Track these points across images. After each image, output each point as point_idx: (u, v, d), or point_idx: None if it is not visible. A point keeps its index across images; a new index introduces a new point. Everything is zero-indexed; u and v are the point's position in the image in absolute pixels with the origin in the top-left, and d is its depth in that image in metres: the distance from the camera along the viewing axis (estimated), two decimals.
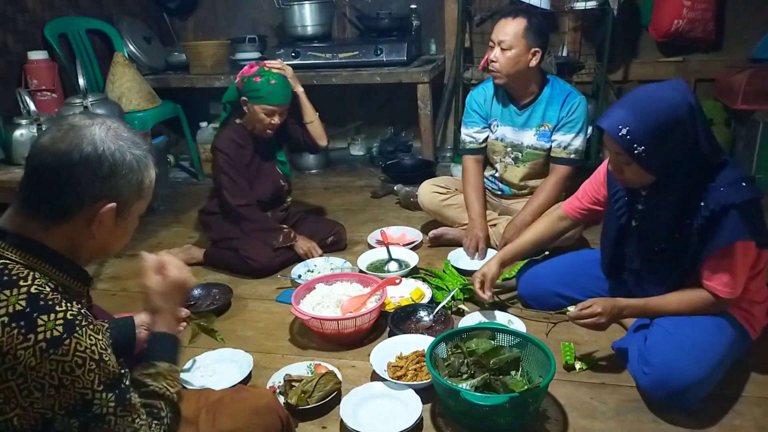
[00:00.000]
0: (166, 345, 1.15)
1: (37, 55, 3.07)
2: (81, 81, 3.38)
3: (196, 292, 2.30)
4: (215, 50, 3.73)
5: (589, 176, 1.91)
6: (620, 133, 1.47)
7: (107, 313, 1.69)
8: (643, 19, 3.49)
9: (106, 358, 0.96)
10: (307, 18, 3.73)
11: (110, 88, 3.42)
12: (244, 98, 2.38)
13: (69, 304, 0.95)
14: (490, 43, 2.37)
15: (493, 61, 2.34)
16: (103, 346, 0.96)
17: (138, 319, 1.43)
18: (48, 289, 0.94)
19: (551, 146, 2.45)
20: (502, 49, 2.30)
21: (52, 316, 0.91)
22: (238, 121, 2.49)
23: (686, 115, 1.45)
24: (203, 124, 3.87)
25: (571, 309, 1.68)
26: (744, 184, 1.47)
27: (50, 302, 0.93)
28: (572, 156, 2.42)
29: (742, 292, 1.59)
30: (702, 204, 1.49)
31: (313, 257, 2.49)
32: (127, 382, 1.00)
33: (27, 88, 3.06)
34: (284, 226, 2.53)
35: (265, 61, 2.45)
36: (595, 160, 3.35)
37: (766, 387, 1.65)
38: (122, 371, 1.00)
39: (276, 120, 2.38)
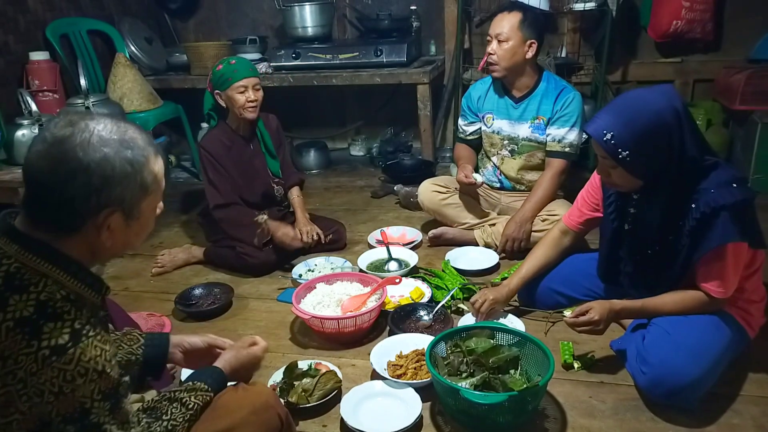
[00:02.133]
0: (216, 376, 1.23)
1: (38, 56, 3.08)
2: (82, 81, 3.39)
3: (198, 291, 2.31)
4: (216, 51, 3.74)
5: (585, 172, 1.92)
6: (605, 138, 1.48)
7: (133, 320, 1.68)
8: (642, 20, 3.50)
9: (109, 370, 0.95)
10: (307, 19, 3.74)
11: (111, 89, 3.43)
12: (218, 92, 2.39)
13: (78, 313, 0.94)
14: (488, 38, 2.44)
15: (491, 54, 2.40)
16: (108, 357, 0.95)
17: (175, 339, 1.37)
18: (59, 296, 0.93)
19: (546, 140, 2.49)
20: (500, 42, 2.37)
21: (59, 324, 0.91)
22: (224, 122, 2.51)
23: (672, 119, 1.46)
24: (204, 124, 3.87)
25: (567, 314, 1.68)
26: (735, 185, 1.48)
27: (59, 310, 0.92)
28: (567, 150, 2.46)
29: (739, 291, 1.60)
30: (693, 206, 1.50)
31: (304, 243, 2.43)
32: (122, 391, 1.00)
33: (28, 88, 3.07)
34: (260, 218, 2.44)
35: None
36: (594, 161, 3.36)
37: (764, 386, 1.66)
38: (121, 380, 0.99)
39: (251, 95, 2.36)
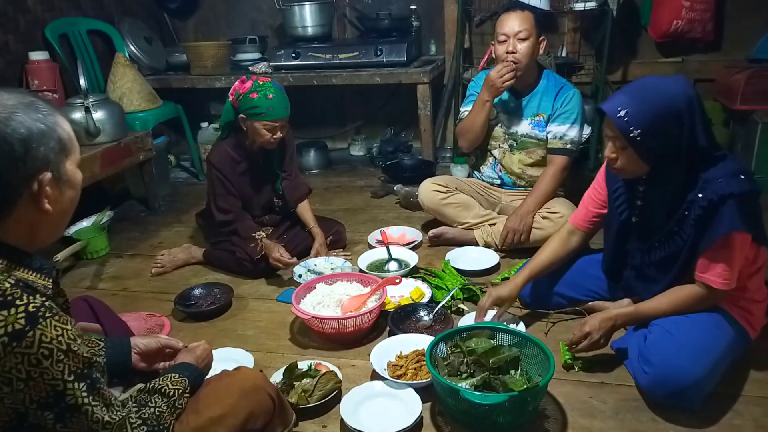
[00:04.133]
0: (185, 367, 1.24)
1: (38, 56, 3.08)
2: (82, 81, 3.39)
3: (197, 291, 2.31)
4: (216, 51, 3.74)
5: (585, 172, 1.92)
6: (618, 115, 1.51)
7: (113, 313, 1.67)
8: (643, 20, 3.50)
9: (75, 348, 0.94)
10: (307, 19, 3.74)
11: (111, 89, 3.43)
12: (242, 116, 2.31)
13: (31, 298, 0.92)
14: (501, 38, 2.41)
15: (512, 52, 2.38)
16: (72, 336, 0.95)
17: (134, 342, 1.37)
18: (7, 285, 0.92)
19: (547, 137, 2.51)
20: (521, 40, 2.38)
21: (13, 310, 0.90)
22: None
23: (685, 106, 1.48)
24: (204, 124, 3.88)
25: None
26: (742, 176, 1.49)
27: (9, 297, 0.91)
28: (568, 146, 2.48)
29: (741, 290, 1.60)
30: (700, 195, 1.50)
31: (285, 265, 2.34)
32: (98, 374, 1.00)
33: (28, 88, 3.06)
34: (258, 234, 2.38)
35: (256, 75, 2.38)
36: (594, 161, 3.36)
37: (765, 386, 1.66)
38: (93, 360, 0.99)
39: (278, 134, 2.32)
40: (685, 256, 1.59)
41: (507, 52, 2.39)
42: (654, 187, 1.62)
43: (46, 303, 0.94)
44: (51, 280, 1.04)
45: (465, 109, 2.68)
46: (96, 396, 0.97)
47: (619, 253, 1.81)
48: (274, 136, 2.32)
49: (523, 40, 2.37)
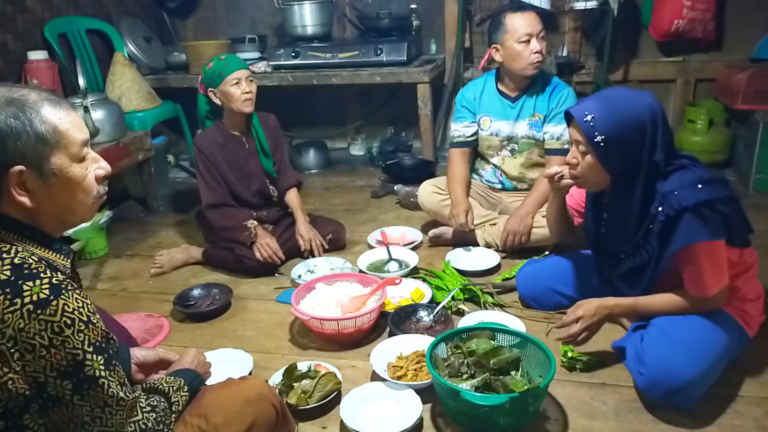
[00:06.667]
0: (179, 372, 1.27)
1: (37, 55, 3.07)
2: (81, 81, 3.37)
3: (196, 292, 2.30)
4: (215, 50, 3.71)
5: None
6: (585, 119, 1.54)
7: (108, 314, 1.67)
8: (644, 19, 3.49)
9: (95, 321, 0.98)
10: (307, 18, 3.73)
11: (110, 88, 3.42)
12: (212, 90, 2.39)
13: (54, 273, 0.97)
14: (524, 37, 2.35)
15: (538, 52, 2.37)
16: (91, 310, 0.98)
17: (132, 352, 1.38)
18: (32, 261, 0.97)
19: (544, 138, 2.50)
20: (542, 38, 2.39)
21: (38, 281, 0.94)
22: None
23: (649, 119, 1.52)
24: None
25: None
26: (700, 185, 1.49)
27: (35, 270, 0.95)
28: (565, 146, 2.47)
29: (732, 290, 1.61)
30: (659, 209, 1.53)
31: (275, 261, 2.40)
32: (113, 351, 1.02)
33: None
34: (250, 223, 2.43)
35: None
36: None
37: (765, 386, 1.65)
38: (110, 336, 1.02)
39: (246, 87, 2.37)
40: (651, 269, 1.61)
41: (536, 52, 2.36)
42: (618, 199, 1.64)
43: (67, 279, 0.99)
44: (70, 262, 1.09)
45: (455, 128, 2.63)
46: (112, 372, 0.99)
47: (597, 261, 1.83)
48: (244, 91, 2.36)
49: (542, 39, 2.38)
